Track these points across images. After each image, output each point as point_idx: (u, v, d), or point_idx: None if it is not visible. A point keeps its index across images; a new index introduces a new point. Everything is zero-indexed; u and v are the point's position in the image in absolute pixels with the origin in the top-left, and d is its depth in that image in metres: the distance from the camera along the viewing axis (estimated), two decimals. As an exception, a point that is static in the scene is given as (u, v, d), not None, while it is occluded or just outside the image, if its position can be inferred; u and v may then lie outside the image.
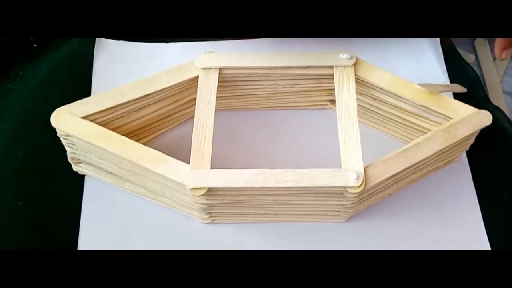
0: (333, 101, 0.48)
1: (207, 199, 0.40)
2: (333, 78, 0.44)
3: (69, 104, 0.42)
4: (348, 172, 0.39)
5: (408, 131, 0.46)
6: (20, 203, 0.44)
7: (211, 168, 0.39)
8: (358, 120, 0.42)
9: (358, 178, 0.39)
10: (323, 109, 0.49)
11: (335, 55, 0.45)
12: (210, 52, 0.45)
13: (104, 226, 0.43)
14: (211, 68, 0.44)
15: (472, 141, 0.44)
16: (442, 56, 0.52)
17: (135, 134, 0.46)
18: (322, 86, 0.47)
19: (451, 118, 0.43)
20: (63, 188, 0.45)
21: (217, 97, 0.43)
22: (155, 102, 0.45)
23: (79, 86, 0.49)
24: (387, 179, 0.40)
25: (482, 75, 0.56)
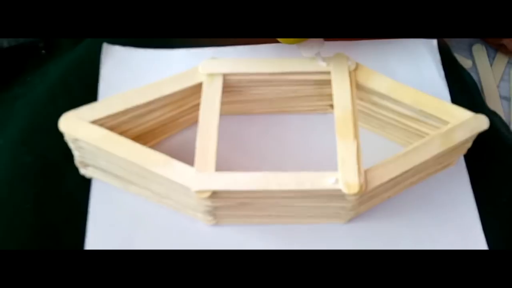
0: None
1: (212, 202, 0.40)
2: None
3: (77, 109, 0.43)
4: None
5: (407, 135, 0.47)
6: (28, 206, 0.44)
7: (216, 171, 0.40)
8: (358, 124, 0.42)
9: (358, 181, 0.39)
10: (325, 113, 0.50)
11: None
12: (214, 58, 0.46)
13: (111, 228, 0.44)
14: (216, 74, 0.45)
15: (469, 144, 0.45)
16: (439, 62, 0.53)
17: (141, 138, 0.46)
18: (323, 91, 0.47)
19: (449, 123, 0.43)
20: (71, 191, 0.45)
21: (221, 102, 0.44)
22: (160, 107, 0.45)
23: (86, 91, 0.50)
24: (387, 181, 0.41)
25: (479, 80, 0.57)
